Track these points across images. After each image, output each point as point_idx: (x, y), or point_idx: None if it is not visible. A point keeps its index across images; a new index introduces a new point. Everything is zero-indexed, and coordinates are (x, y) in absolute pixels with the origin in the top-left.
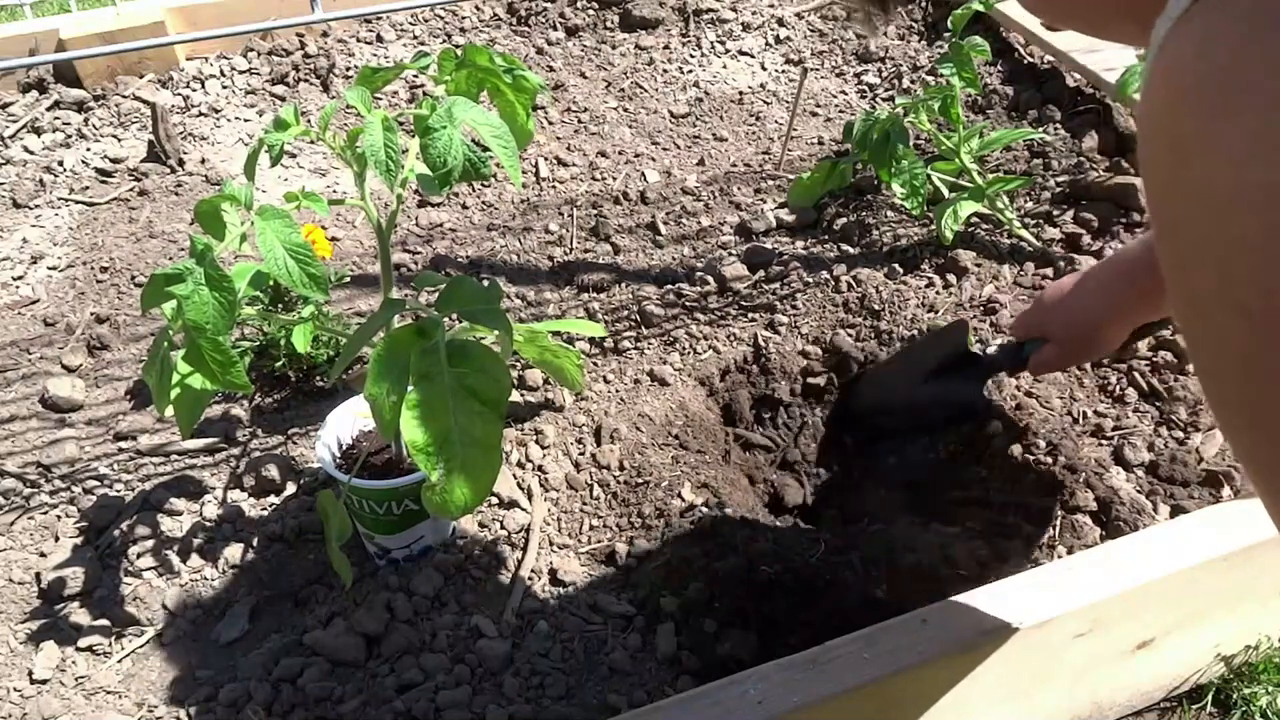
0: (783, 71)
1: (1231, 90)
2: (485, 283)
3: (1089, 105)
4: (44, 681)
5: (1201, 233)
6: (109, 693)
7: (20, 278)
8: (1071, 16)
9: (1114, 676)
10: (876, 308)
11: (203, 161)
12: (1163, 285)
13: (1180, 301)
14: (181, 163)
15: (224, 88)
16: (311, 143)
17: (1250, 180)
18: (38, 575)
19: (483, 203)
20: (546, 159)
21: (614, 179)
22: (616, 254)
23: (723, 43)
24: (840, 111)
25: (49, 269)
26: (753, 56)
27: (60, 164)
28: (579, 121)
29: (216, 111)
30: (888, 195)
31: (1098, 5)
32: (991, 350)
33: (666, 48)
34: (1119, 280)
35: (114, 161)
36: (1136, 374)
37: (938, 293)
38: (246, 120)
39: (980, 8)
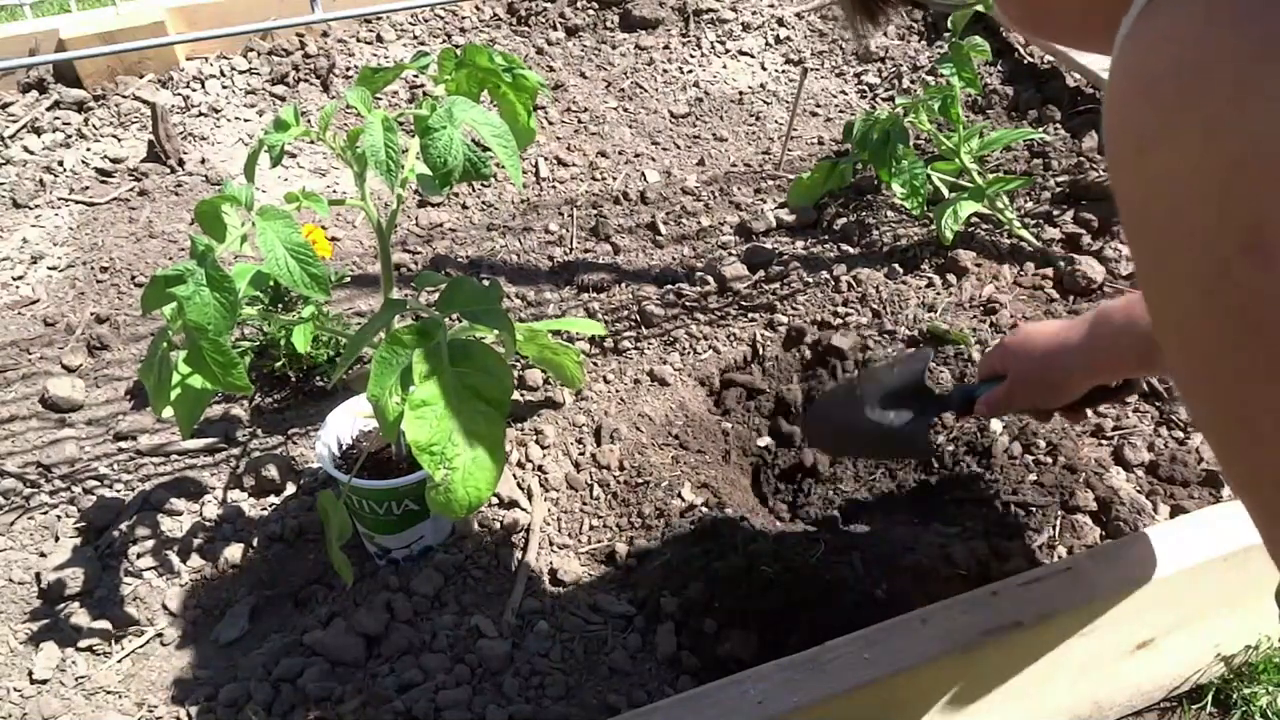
0: (783, 71)
1: (1188, 79)
2: (485, 283)
3: (1089, 105)
4: (44, 681)
5: (1164, 222)
6: (109, 693)
7: (20, 278)
8: (1056, 34)
9: (1114, 676)
10: (876, 308)
11: (203, 161)
12: (1144, 347)
13: (1151, 294)
14: (181, 163)
15: (224, 88)
16: (311, 143)
17: (1206, 167)
18: (38, 575)
19: (483, 203)
20: (546, 159)
21: (614, 179)
22: (616, 254)
23: (723, 43)
24: (840, 111)
25: (49, 269)
26: (753, 56)
27: (60, 164)
28: (579, 121)
29: (216, 111)
30: (888, 195)
31: (1078, 22)
32: (947, 389)
33: (666, 48)
34: (1101, 331)
35: (114, 161)
36: None
37: (938, 293)
38: (246, 120)
39: (980, 8)
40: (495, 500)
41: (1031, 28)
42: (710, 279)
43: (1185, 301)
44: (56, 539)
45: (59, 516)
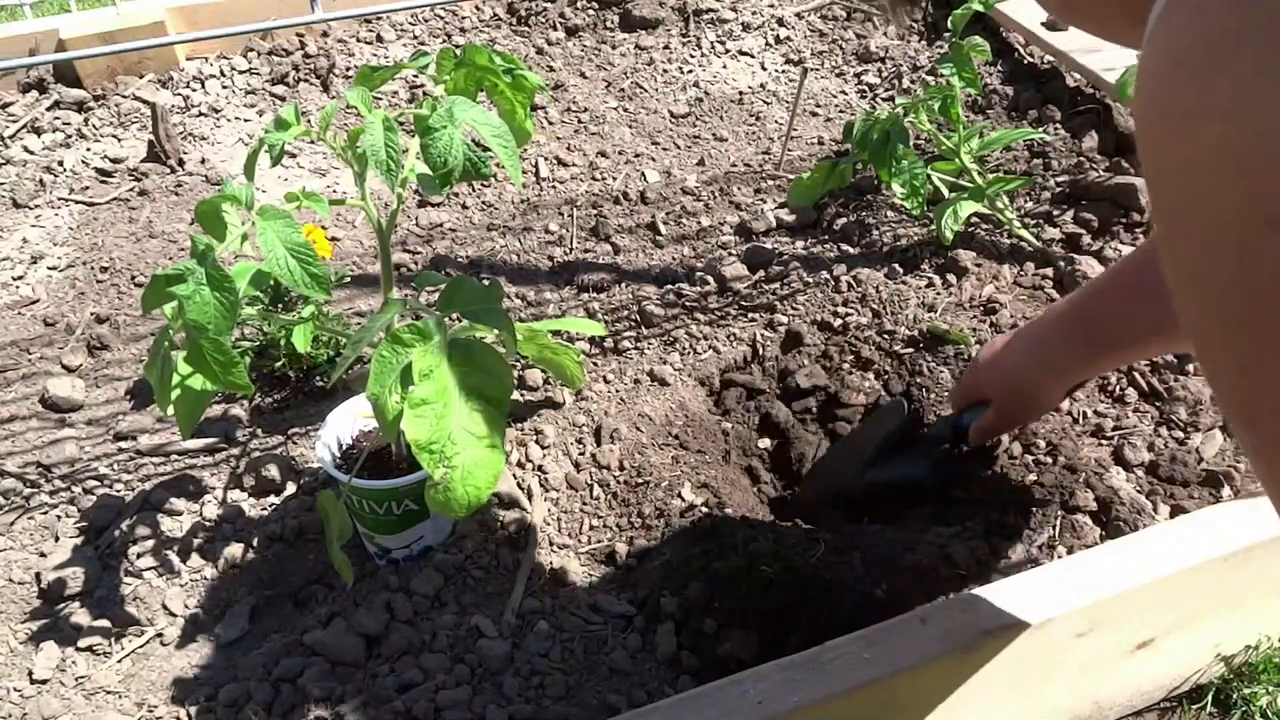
0: (783, 71)
1: (1216, 55)
2: (485, 282)
3: (1089, 105)
4: (44, 681)
5: (1190, 199)
6: (109, 693)
7: (20, 278)
8: (1085, 17)
9: (1114, 676)
10: (876, 308)
11: (203, 161)
12: (1102, 340)
13: (1174, 270)
14: (181, 163)
15: (224, 88)
16: (311, 143)
17: (1231, 144)
18: (38, 575)
19: (483, 203)
20: (546, 159)
21: (614, 179)
22: (616, 254)
23: (723, 43)
24: (840, 111)
25: (49, 269)
26: (753, 56)
27: (60, 164)
28: (579, 121)
29: (216, 111)
30: (888, 195)
31: (1113, 13)
32: (934, 425)
33: (666, 48)
34: (1053, 338)
35: (114, 161)
36: (1136, 374)
37: (938, 293)
38: (246, 120)
39: (980, 8)
40: (495, 500)
41: (1068, 14)
42: (710, 279)
43: (1189, 299)
44: (56, 539)
45: (59, 516)
